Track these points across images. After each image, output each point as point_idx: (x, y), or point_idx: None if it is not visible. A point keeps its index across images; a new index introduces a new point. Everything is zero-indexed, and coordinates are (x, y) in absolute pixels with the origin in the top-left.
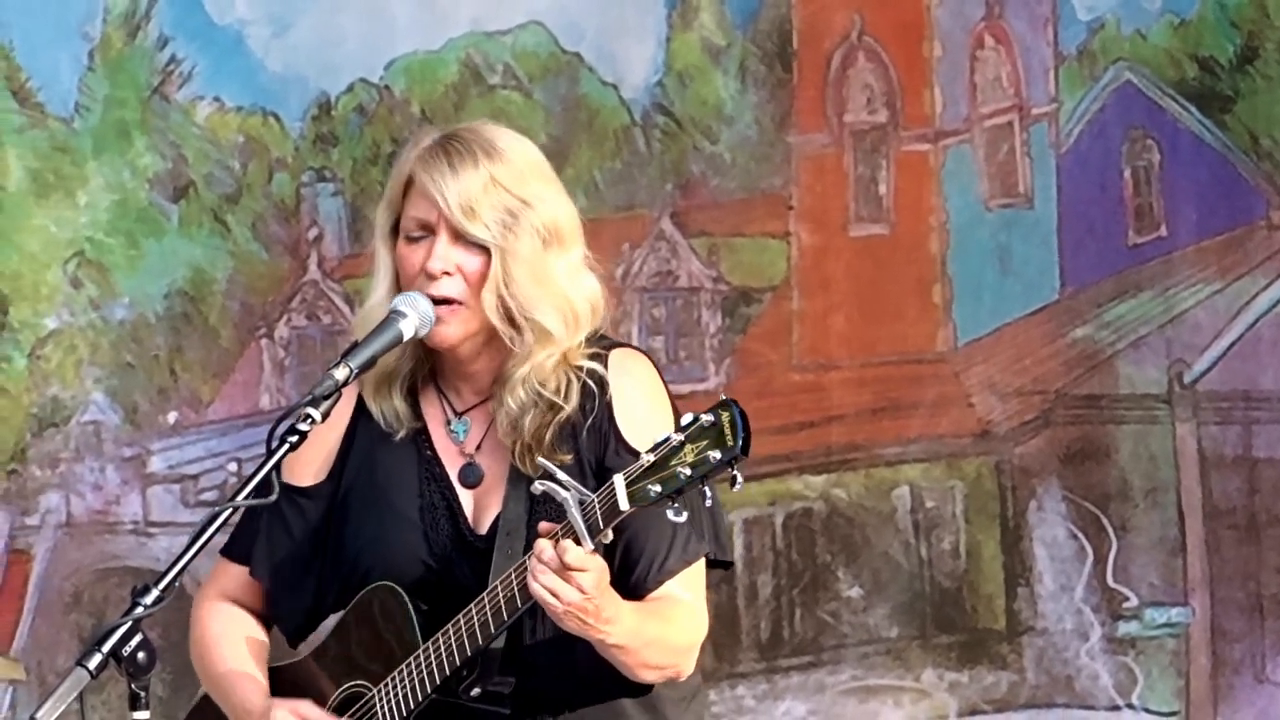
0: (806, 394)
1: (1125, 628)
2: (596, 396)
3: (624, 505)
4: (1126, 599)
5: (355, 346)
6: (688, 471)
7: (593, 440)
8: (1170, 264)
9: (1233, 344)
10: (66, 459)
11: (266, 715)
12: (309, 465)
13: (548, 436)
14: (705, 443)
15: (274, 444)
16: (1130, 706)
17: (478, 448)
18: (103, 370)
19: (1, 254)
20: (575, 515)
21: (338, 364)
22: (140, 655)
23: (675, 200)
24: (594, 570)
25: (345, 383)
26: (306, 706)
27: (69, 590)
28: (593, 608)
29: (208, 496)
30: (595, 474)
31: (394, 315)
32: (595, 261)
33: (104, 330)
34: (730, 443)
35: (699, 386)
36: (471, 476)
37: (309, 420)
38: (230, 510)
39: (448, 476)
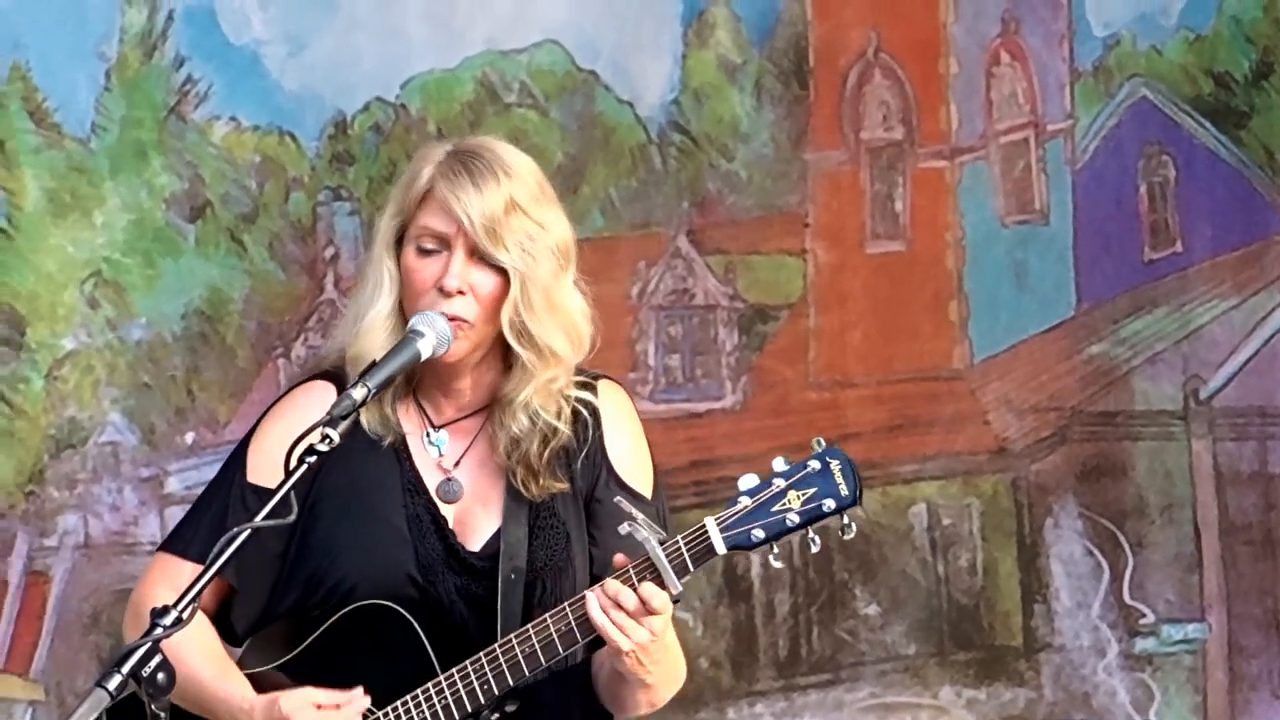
0: (823, 411)
1: (1142, 644)
2: (590, 426)
3: (720, 549)
4: (1143, 615)
5: (373, 366)
6: (796, 519)
7: (585, 470)
8: (1186, 280)
9: (1248, 360)
10: (84, 480)
11: (272, 706)
12: (276, 466)
13: (546, 459)
14: (814, 490)
15: (292, 464)
16: None
17: (456, 464)
18: (120, 391)
19: (18, 274)
20: (660, 557)
21: (356, 384)
22: (160, 676)
23: (691, 218)
24: (666, 614)
25: (364, 403)
26: (313, 691)
27: (87, 611)
28: (655, 648)
29: None
30: (585, 505)
31: (412, 335)
32: (583, 282)
33: (121, 351)
34: (845, 492)
35: (715, 405)
36: (450, 492)
37: (327, 440)
38: (249, 531)
39: (428, 490)
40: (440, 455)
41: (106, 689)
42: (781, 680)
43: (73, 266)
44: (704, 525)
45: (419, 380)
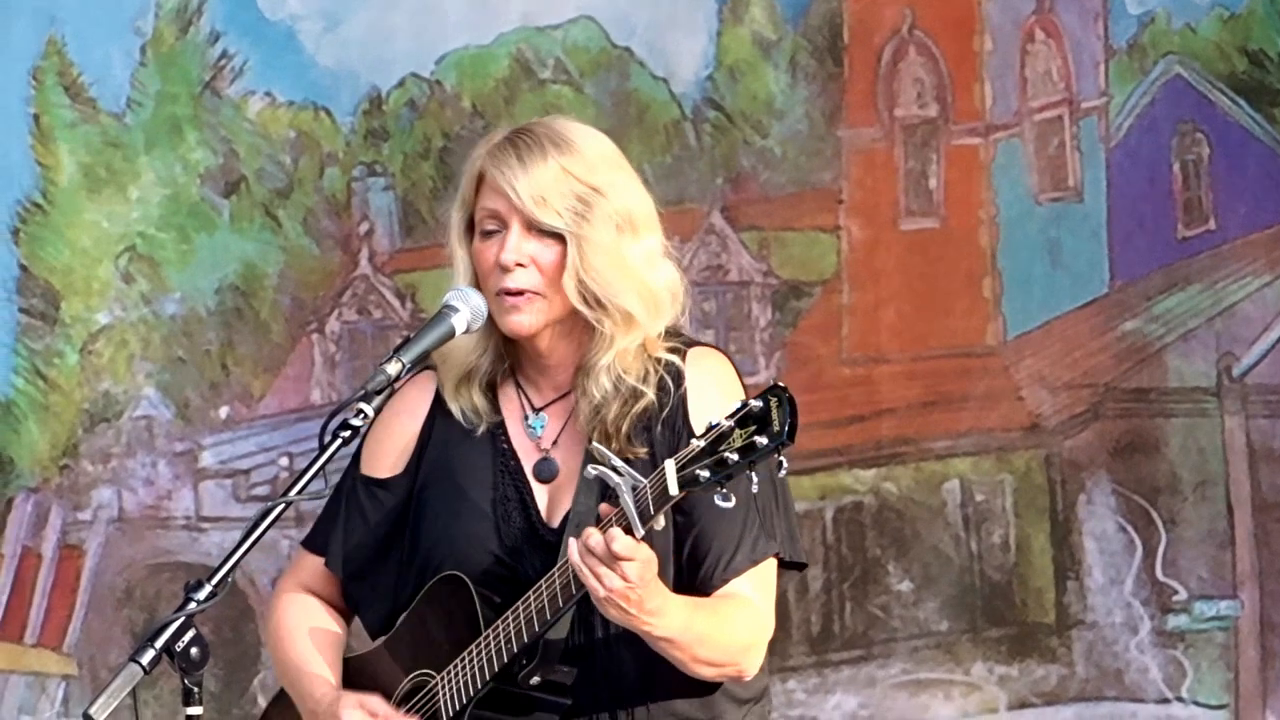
0: (856, 388)
1: (1174, 621)
2: (672, 390)
3: (673, 490)
4: (1176, 592)
5: (407, 341)
6: (735, 456)
7: (666, 434)
8: (1219, 257)
9: None
10: (118, 454)
11: (335, 707)
12: (387, 457)
13: (625, 427)
14: (753, 428)
15: (326, 439)
16: (1180, 700)
17: (554, 443)
18: (154, 365)
19: (53, 249)
20: (628, 501)
21: (390, 358)
22: (193, 651)
23: (726, 194)
24: (640, 560)
25: (398, 377)
26: (374, 701)
27: (121, 585)
28: (635, 597)
29: (259, 491)
30: None
31: (446, 310)
32: (674, 252)
33: (155, 325)
34: (777, 428)
35: (749, 380)
36: (546, 471)
37: (361, 415)
38: (283, 506)
39: (523, 470)
40: (539, 435)
41: (140, 663)
42: (814, 656)
43: (107, 241)
44: (663, 467)
45: (516, 362)
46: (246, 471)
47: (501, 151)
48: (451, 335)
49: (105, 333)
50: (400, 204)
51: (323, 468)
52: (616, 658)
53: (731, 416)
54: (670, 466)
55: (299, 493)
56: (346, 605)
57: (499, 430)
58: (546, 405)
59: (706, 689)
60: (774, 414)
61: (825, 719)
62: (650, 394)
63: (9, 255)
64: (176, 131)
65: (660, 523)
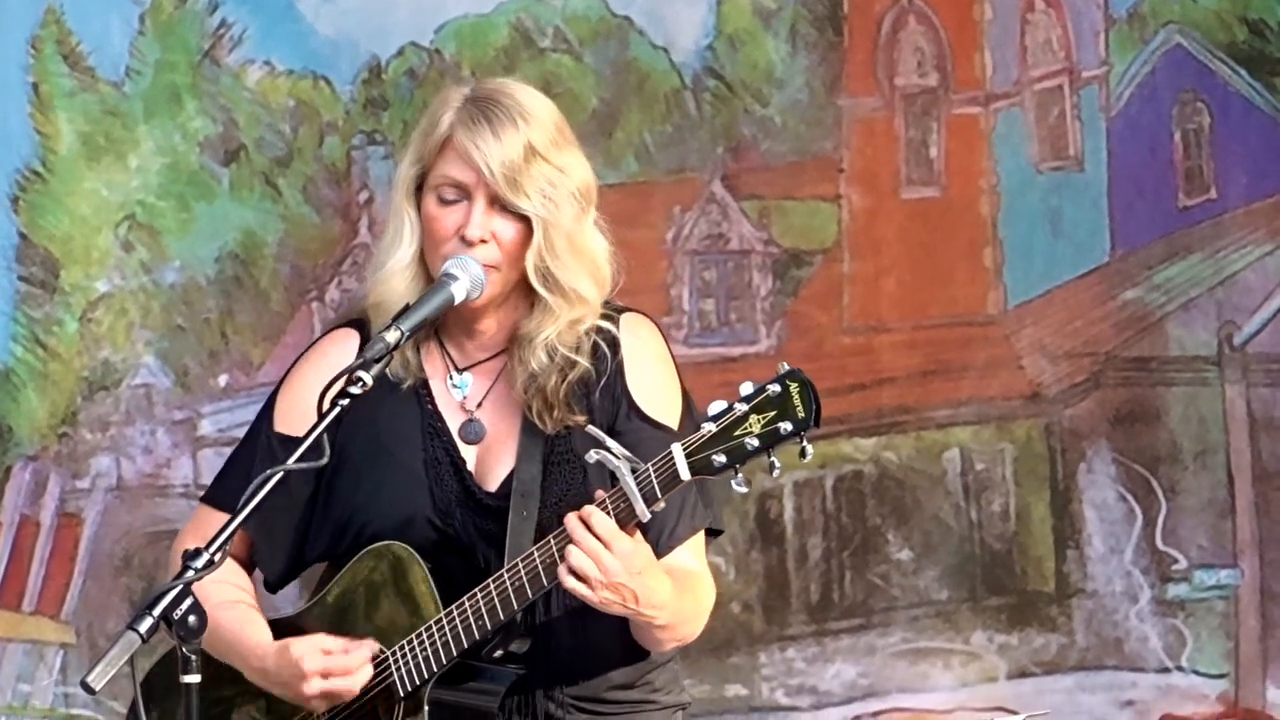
0: (857, 357)
1: (1174, 590)
2: (608, 358)
3: (685, 475)
4: (1176, 561)
5: (406, 309)
6: (755, 442)
7: (604, 402)
8: (1220, 226)
9: None
10: (117, 422)
11: (286, 651)
12: (305, 414)
13: (563, 394)
14: (773, 413)
15: (325, 407)
16: (1180, 669)
17: (479, 404)
18: (154, 333)
19: (53, 217)
20: (630, 483)
21: (389, 326)
22: (191, 619)
23: (726, 163)
24: (629, 549)
25: (397, 345)
26: (322, 638)
27: (119, 554)
28: (629, 590)
29: None
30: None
31: (445, 278)
32: (603, 223)
33: (155, 294)
34: (801, 414)
35: (750, 349)
36: (472, 433)
37: (360, 384)
38: (281, 474)
39: (449, 431)
40: (464, 397)
41: (138, 631)
42: (813, 625)
43: (107, 210)
44: (670, 452)
45: (442, 323)
46: None
47: (473, 121)
48: (451, 303)
49: (104, 301)
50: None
51: (321, 436)
52: (555, 631)
53: (746, 400)
54: (679, 451)
55: (297, 461)
56: (251, 560)
57: (423, 389)
58: (471, 366)
59: (639, 656)
60: (796, 399)
61: (825, 688)
62: (585, 363)
63: (8, 224)
64: (176, 100)
65: (662, 506)
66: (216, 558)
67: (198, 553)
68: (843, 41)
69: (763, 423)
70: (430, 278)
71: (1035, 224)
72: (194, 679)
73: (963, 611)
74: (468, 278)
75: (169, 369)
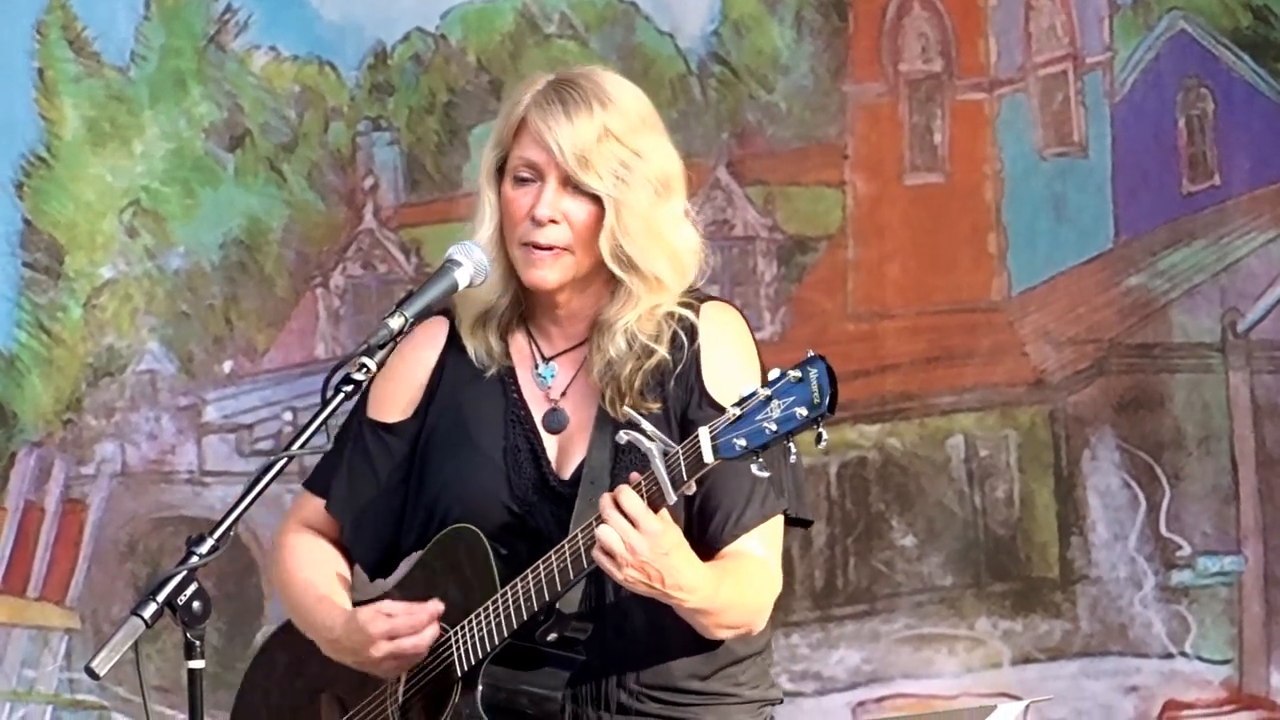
0: (861, 343)
1: (1178, 576)
2: (686, 346)
3: (709, 458)
4: (1180, 547)
5: (410, 295)
6: (773, 427)
7: (679, 390)
8: (1224, 212)
9: None
10: (122, 408)
11: (351, 619)
12: (396, 402)
13: (637, 383)
14: (792, 399)
15: (329, 393)
16: (1184, 655)
17: (563, 393)
18: (158, 320)
19: (57, 203)
20: (659, 466)
21: (393, 312)
22: (195, 604)
23: (731, 149)
24: (660, 529)
25: (401, 331)
26: (387, 604)
27: (124, 539)
28: (655, 571)
29: (263, 446)
30: (680, 425)
31: (449, 264)
32: (693, 214)
33: (159, 279)
34: (817, 400)
35: (756, 335)
36: (556, 422)
37: (364, 370)
38: (286, 460)
39: (532, 420)
40: (549, 386)
41: (142, 617)
42: (818, 611)
43: (112, 195)
44: (697, 435)
45: (529, 311)
46: (250, 426)
47: (547, 102)
48: (455, 289)
49: (109, 287)
50: (405, 158)
51: (325, 422)
52: (627, 616)
53: (768, 386)
54: (704, 434)
55: (301, 447)
56: (346, 546)
57: (509, 377)
58: (557, 355)
59: (712, 645)
60: (814, 385)
61: (829, 674)
62: (664, 351)
63: (13, 209)
64: (181, 85)
65: (691, 489)
66: (220, 542)
67: (201, 538)
68: (847, 27)
69: (781, 408)
70: (509, 261)
71: (1039, 210)
72: (199, 664)
73: (967, 598)
74: (471, 263)
75: (174, 355)
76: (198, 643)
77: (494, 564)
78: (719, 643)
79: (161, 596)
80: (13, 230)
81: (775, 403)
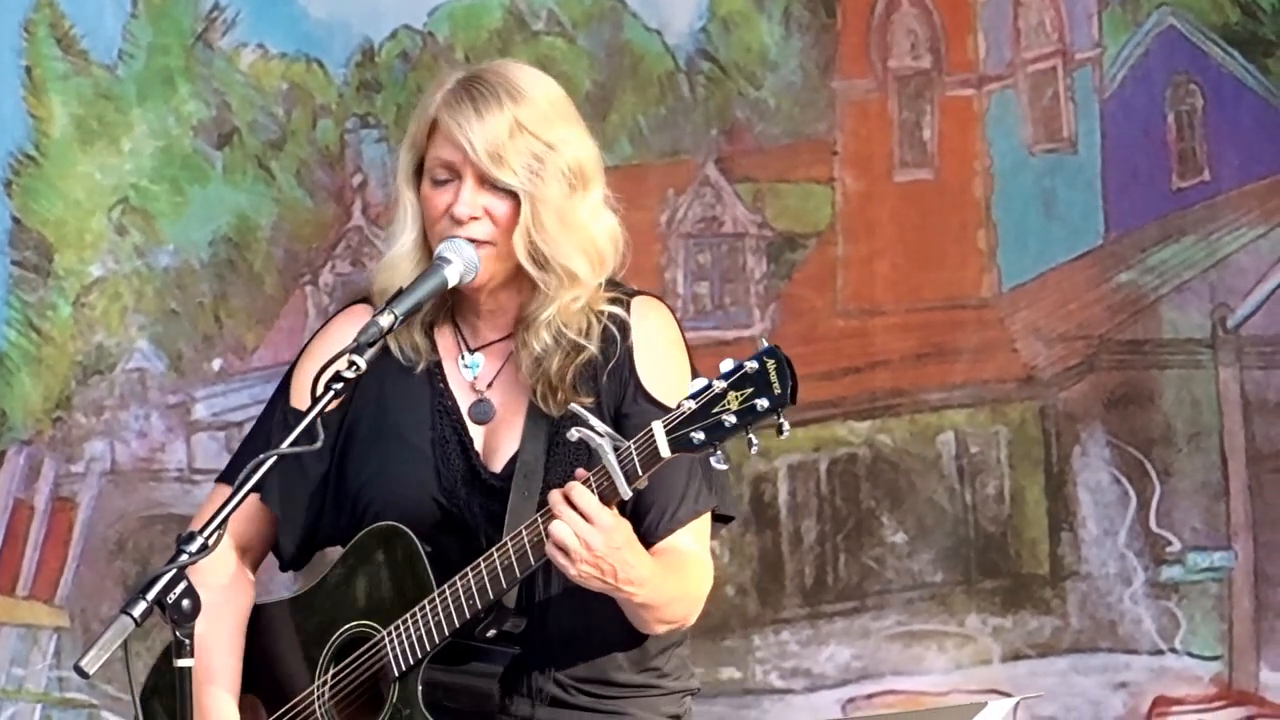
0: (851, 339)
1: (1168, 572)
2: (618, 341)
3: (665, 452)
4: (1169, 543)
5: (400, 293)
6: (733, 419)
7: (612, 385)
8: (1214, 208)
9: (1276, 288)
10: (111, 406)
11: None
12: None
13: (569, 377)
14: (750, 390)
15: (319, 392)
16: (1173, 651)
17: (489, 385)
18: (147, 318)
19: (46, 201)
20: (612, 461)
21: (383, 311)
22: (185, 603)
23: (720, 146)
24: (609, 524)
25: (390, 329)
26: None
27: (113, 538)
28: (609, 565)
29: None
30: (613, 419)
31: (439, 262)
32: (614, 200)
33: (149, 277)
34: (778, 390)
35: (744, 333)
36: (482, 413)
37: (354, 368)
38: (275, 459)
39: (459, 410)
40: (475, 377)
41: (132, 615)
42: (807, 608)
43: (100, 193)
44: (651, 429)
45: (455, 304)
46: (239, 424)
47: (457, 100)
48: (444, 287)
49: (98, 285)
50: (393, 156)
51: (315, 420)
52: (559, 610)
53: (724, 378)
54: (659, 428)
55: (290, 445)
56: (271, 539)
57: (436, 370)
58: (482, 346)
59: (640, 639)
60: (772, 376)
61: (819, 670)
62: (592, 347)
63: (2, 208)
64: (169, 83)
65: (644, 484)
66: (211, 541)
67: (191, 536)
68: (836, 24)
69: (740, 399)
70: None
71: (1029, 206)
72: (188, 663)
73: (957, 594)
74: (461, 260)
75: (163, 353)
76: (187, 641)
77: (426, 564)
78: (646, 636)
79: (151, 595)
80: (1, 229)
81: (733, 395)
